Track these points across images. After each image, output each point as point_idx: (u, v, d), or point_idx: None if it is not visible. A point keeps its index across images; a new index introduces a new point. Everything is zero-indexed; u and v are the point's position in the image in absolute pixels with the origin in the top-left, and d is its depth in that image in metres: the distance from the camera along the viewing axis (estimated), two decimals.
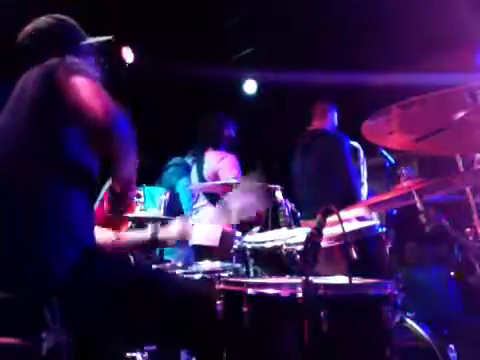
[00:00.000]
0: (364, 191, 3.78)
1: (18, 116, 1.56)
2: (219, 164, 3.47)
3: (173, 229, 2.05)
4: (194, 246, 3.48)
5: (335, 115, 3.98)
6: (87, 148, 1.59)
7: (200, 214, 3.57)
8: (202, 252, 3.30)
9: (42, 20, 1.75)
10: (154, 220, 2.93)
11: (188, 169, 3.97)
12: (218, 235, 3.41)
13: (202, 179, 3.55)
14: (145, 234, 2.09)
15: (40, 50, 1.69)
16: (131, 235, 1.92)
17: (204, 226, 3.51)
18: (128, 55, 4.84)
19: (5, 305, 1.35)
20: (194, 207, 3.66)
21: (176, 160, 4.28)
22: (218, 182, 3.33)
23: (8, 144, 1.55)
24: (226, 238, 3.37)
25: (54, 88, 1.53)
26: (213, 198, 3.50)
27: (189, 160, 4.03)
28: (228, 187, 3.09)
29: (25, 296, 1.36)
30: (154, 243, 1.98)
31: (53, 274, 1.40)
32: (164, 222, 3.54)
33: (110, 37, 1.83)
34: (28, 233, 1.42)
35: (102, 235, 1.71)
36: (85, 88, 1.51)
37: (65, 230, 1.46)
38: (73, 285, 1.40)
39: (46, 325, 1.33)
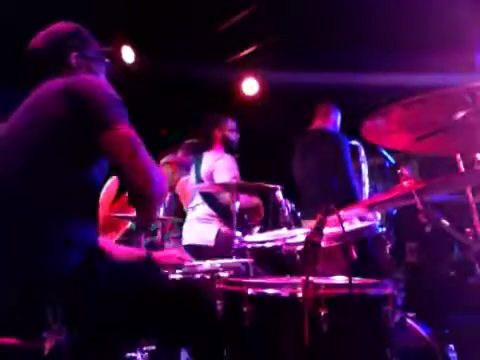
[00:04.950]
0: (366, 190, 3.77)
1: (32, 132, 1.51)
2: (214, 164, 3.47)
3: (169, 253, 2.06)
4: (188, 246, 3.47)
5: (338, 117, 3.98)
6: (99, 163, 1.57)
7: (196, 213, 3.56)
8: (197, 253, 3.28)
9: (56, 26, 1.75)
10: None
11: (188, 168, 3.97)
12: (213, 235, 3.39)
13: (199, 179, 3.55)
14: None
15: (54, 56, 1.68)
16: (127, 253, 1.92)
17: (199, 225, 3.51)
18: (128, 55, 4.85)
19: (7, 305, 1.35)
20: (190, 206, 3.65)
21: (169, 157, 4.27)
22: (214, 182, 3.33)
23: (20, 151, 1.50)
24: (222, 238, 3.35)
25: (89, 128, 1.48)
26: (208, 197, 3.50)
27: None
28: (223, 187, 3.09)
29: (27, 296, 1.37)
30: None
31: (56, 275, 1.40)
32: (164, 224, 3.52)
33: (111, 47, 1.84)
34: (30, 234, 1.42)
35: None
36: (130, 149, 1.50)
37: (68, 231, 1.46)
38: (75, 286, 1.41)
39: (48, 325, 1.33)
